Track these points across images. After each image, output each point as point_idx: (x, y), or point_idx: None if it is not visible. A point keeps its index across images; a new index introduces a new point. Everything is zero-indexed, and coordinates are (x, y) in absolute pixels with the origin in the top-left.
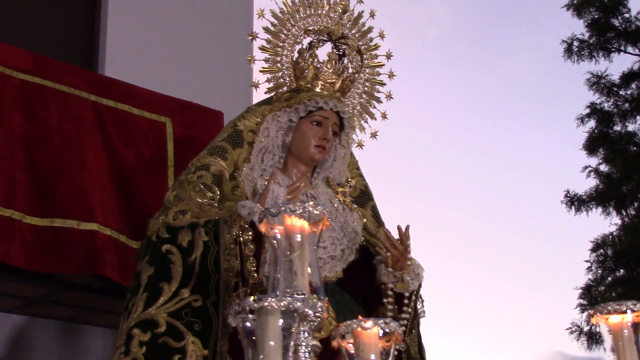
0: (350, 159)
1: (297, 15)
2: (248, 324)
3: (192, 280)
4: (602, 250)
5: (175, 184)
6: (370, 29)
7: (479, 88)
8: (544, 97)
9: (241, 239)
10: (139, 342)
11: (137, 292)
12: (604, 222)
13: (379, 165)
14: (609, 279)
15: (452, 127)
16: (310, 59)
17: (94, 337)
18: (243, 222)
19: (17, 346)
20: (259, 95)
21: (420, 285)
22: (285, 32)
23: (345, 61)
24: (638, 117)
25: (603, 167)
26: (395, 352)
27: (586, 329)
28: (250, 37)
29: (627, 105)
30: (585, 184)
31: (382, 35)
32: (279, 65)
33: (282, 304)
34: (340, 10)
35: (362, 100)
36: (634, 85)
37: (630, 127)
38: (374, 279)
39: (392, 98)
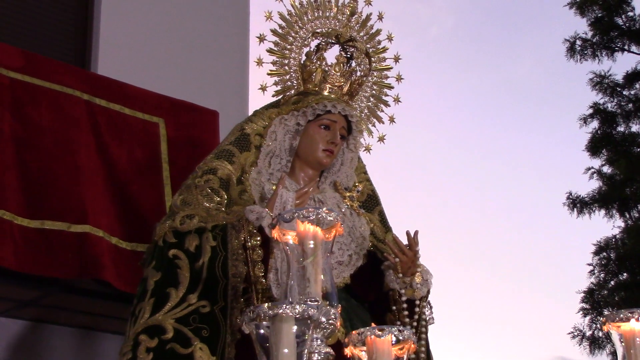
0: (357, 163)
1: (305, 18)
2: (262, 331)
3: (199, 285)
4: (605, 254)
5: (182, 188)
6: (378, 32)
7: (480, 87)
8: (546, 97)
9: (249, 244)
10: (145, 349)
11: (143, 298)
12: (607, 225)
13: (379, 167)
14: (612, 282)
15: (452, 126)
16: (318, 62)
17: (107, 343)
18: (251, 227)
19: (22, 352)
20: (255, 94)
21: (428, 292)
22: (293, 34)
23: (353, 64)
24: None
25: (606, 169)
26: None
27: (588, 333)
28: (258, 39)
29: (630, 105)
30: (588, 186)
31: (390, 38)
32: (286, 68)
33: (296, 311)
34: (349, 13)
35: (370, 103)
36: (637, 86)
37: (634, 128)
38: (381, 284)
39: (400, 102)
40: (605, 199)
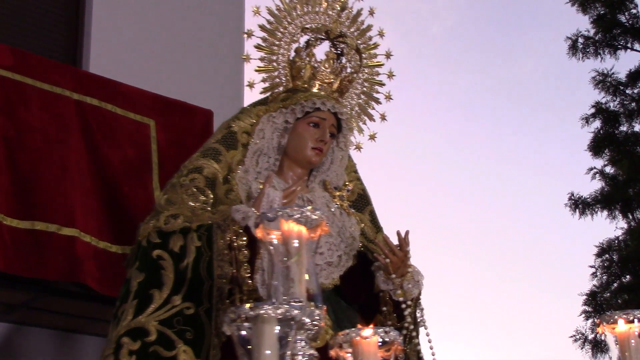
0: (348, 161)
1: (294, 13)
2: (243, 332)
3: (184, 287)
4: (607, 256)
5: (166, 187)
6: (369, 27)
7: (480, 86)
8: (548, 95)
9: (235, 244)
10: (128, 351)
11: (126, 299)
12: (609, 226)
13: (376, 166)
14: (615, 285)
15: (452, 126)
16: (308, 58)
17: (90, 346)
18: (237, 226)
19: (1, 355)
20: (250, 93)
21: (420, 293)
22: (281, 30)
23: (344, 60)
24: None
25: (609, 169)
26: None
27: (591, 337)
28: (246, 35)
29: (633, 104)
30: (590, 187)
31: (381, 34)
32: (275, 64)
33: (279, 311)
34: (339, 8)
35: (360, 101)
36: None
37: (637, 128)
38: (372, 286)
39: (391, 99)
40: (608, 199)
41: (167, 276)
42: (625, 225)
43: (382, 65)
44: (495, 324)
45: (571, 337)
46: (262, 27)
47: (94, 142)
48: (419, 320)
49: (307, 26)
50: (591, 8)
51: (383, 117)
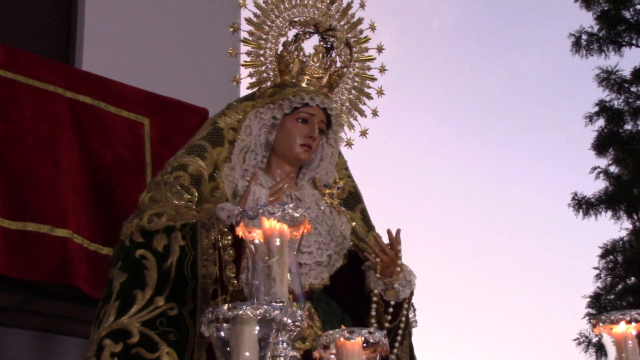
0: (338, 158)
1: (282, 6)
2: (222, 333)
3: (167, 287)
4: (611, 257)
5: (150, 185)
6: (360, 21)
7: (482, 83)
8: (551, 93)
9: (220, 243)
10: (110, 354)
11: (108, 300)
12: (613, 227)
13: (372, 165)
14: (619, 287)
15: (452, 124)
16: (296, 52)
17: (71, 347)
18: (222, 225)
19: None
20: (245, 91)
21: (412, 293)
22: (269, 23)
23: (333, 54)
24: None
25: (613, 169)
26: None
27: (595, 339)
28: (232, 29)
29: (638, 102)
30: (594, 186)
31: (372, 27)
32: (262, 58)
33: (258, 312)
34: (328, 1)
35: (351, 96)
36: None
37: None
38: (362, 286)
39: (383, 94)
40: (612, 199)
41: (150, 276)
42: (630, 226)
43: (374, 59)
44: (498, 327)
45: (575, 340)
46: (248, 21)
47: (87, 141)
48: (411, 321)
49: (296, 19)
50: (595, 4)
51: (375, 113)
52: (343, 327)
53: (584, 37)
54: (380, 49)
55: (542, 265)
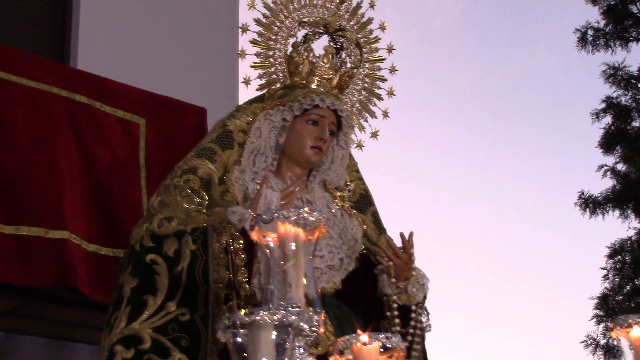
0: (349, 160)
1: (291, 6)
2: (239, 339)
3: (178, 292)
4: (619, 257)
5: (160, 189)
6: (370, 21)
7: (486, 81)
8: (556, 90)
9: (231, 247)
10: None
11: (119, 306)
12: (621, 226)
13: (379, 165)
14: (627, 287)
15: (456, 122)
16: (306, 53)
17: (83, 354)
18: (233, 229)
19: None
20: (245, 90)
21: (425, 297)
22: (278, 24)
23: (343, 55)
24: None
25: (620, 167)
26: None
27: (603, 342)
28: (241, 30)
29: None
30: (601, 185)
31: (382, 27)
32: (271, 60)
33: (275, 317)
34: (338, 1)
35: (361, 97)
36: None
37: None
38: (375, 290)
39: (394, 95)
40: (620, 198)
41: (161, 281)
42: (638, 225)
43: (384, 60)
44: (504, 328)
45: (582, 342)
46: (257, 22)
47: (84, 141)
48: (424, 325)
49: (305, 20)
50: None
51: (385, 114)
52: (360, 332)
53: (590, 32)
54: (390, 49)
55: (549, 266)
